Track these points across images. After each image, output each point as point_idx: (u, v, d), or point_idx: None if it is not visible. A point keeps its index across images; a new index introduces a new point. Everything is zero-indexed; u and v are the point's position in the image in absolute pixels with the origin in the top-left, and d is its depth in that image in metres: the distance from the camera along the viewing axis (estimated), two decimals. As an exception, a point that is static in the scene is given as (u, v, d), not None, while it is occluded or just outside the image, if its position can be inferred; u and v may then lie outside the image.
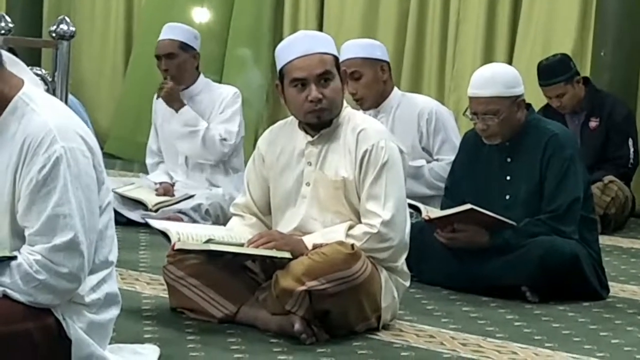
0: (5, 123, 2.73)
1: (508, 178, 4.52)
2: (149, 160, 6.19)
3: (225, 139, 5.85)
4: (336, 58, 3.81)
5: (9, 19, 4.38)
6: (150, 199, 5.84)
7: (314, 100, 3.73)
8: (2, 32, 4.31)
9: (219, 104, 5.92)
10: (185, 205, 5.75)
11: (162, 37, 5.97)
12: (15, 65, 2.81)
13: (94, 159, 2.76)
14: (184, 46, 5.91)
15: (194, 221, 5.56)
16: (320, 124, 3.80)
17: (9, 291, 2.65)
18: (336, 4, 7.90)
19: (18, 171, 2.69)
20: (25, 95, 2.76)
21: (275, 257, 3.63)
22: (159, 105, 6.06)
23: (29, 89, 2.78)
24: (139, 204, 5.82)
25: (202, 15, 8.56)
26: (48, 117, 2.71)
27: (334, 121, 3.81)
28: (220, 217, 5.69)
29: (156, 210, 5.73)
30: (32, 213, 2.67)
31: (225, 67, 8.34)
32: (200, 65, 6.02)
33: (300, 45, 3.78)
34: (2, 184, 2.70)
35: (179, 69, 5.90)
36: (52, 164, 2.66)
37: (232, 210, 4.07)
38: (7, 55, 2.77)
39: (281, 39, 7.76)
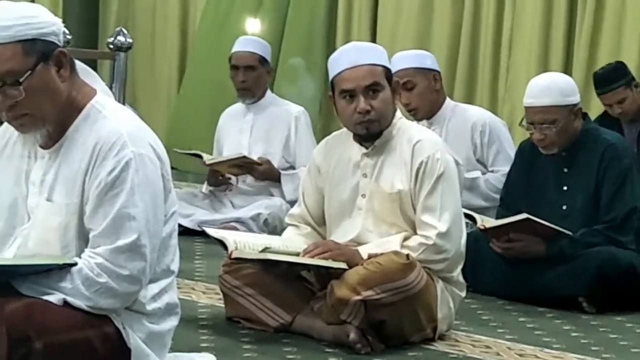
0: (77, 129, 2.78)
1: (565, 188, 4.50)
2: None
3: None
4: (387, 69, 3.81)
5: (67, 30, 4.43)
6: (206, 156, 5.99)
7: (362, 112, 3.74)
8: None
9: (290, 125, 5.99)
10: (244, 214, 5.78)
11: (240, 48, 6.04)
12: (88, 75, 2.88)
13: (162, 167, 2.79)
14: (263, 60, 6.01)
15: (252, 231, 5.59)
16: (370, 135, 3.80)
17: (69, 298, 2.67)
18: (390, 15, 7.90)
19: (88, 174, 2.73)
20: (98, 104, 2.81)
21: (331, 267, 3.64)
22: (226, 120, 6.12)
23: (101, 98, 2.84)
24: (193, 198, 5.96)
25: (255, 26, 8.59)
26: (120, 123, 2.76)
27: (384, 132, 3.81)
28: (278, 228, 5.72)
29: (210, 165, 5.88)
30: (98, 215, 2.71)
31: (278, 78, 8.37)
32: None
33: (349, 56, 3.79)
34: (72, 187, 2.74)
35: (256, 82, 5.99)
36: (122, 167, 2.70)
37: (287, 220, 4.09)
38: (80, 65, 2.83)
39: (334, 50, 7.82)
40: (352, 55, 3.79)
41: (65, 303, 2.67)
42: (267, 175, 5.94)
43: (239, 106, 6.16)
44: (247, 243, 3.78)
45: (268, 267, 3.78)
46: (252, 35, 6.61)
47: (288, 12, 8.45)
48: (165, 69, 9.41)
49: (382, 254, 3.65)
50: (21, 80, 2.67)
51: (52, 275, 2.68)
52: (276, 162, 6.01)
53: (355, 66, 3.76)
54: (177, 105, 8.94)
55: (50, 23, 2.74)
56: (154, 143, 2.80)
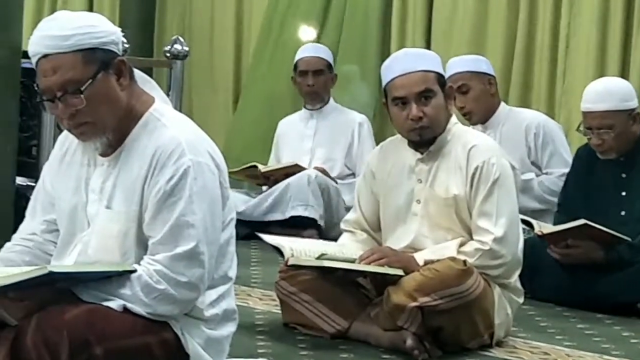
0: (136, 137, 2.80)
1: (623, 193, 4.46)
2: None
3: None
4: (440, 75, 3.80)
5: (124, 39, 4.47)
6: (260, 166, 6.05)
7: (414, 119, 3.74)
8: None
9: (353, 132, 6.04)
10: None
11: (307, 54, 6.15)
12: (146, 83, 2.89)
13: (220, 175, 2.81)
14: (329, 66, 6.14)
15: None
16: (423, 142, 3.79)
17: (129, 304, 2.69)
18: (444, 20, 7.86)
19: (147, 181, 2.75)
20: (156, 111, 2.83)
21: (388, 274, 3.63)
22: (286, 127, 6.15)
23: (159, 106, 2.86)
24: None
25: (310, 34, 8.60)
26: (178, 131, 2.78)
27: (439, 138, 3.80)
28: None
29: (265, 177, 5.89)
30: (157, 222, 2.73)
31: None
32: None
33: (401, 63, 3.79)
34: (131, 194, 2.77)
35: (324, 87, 6.10)
36: (180, 175, 2.72)
37: (342, 226, 4.09)
38: (138, 74, 2.85)
39: (388, 56, 7.81)
40: (404, 62, 3.79)
41: (125, 309, 2.69)
42: None
43: (300, 114, 6.24)
44: (303, 250, 3.79)
45: (324, 273, 3.78)
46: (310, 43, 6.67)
47: (343, 20, 8.44)
48: (221, 78, 9.44)
49: (438, 260, 3.64)
50: (82, 89, 2.70)
51: (112, 281, 2.70)
52: (337, 169, 6.03)
53: (407, 73, 3.75)
54: (235, 115, 8.96)
55: (110, 32, 2.77)
56: (212, 151, 2.82)
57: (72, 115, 2.72)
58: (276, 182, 5.94)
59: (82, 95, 2.70)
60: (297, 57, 6.19)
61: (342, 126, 6.07)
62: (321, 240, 4.95)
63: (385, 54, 7.87)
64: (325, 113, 6.13)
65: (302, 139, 6.14)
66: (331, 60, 6.20)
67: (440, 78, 3.79)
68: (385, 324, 3.67)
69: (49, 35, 2.71)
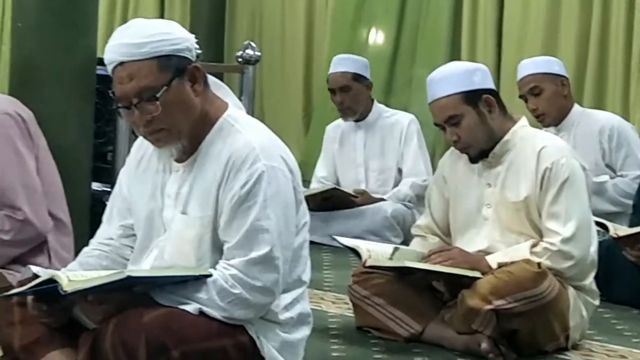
0: (211, 142, 2.83)
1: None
2: (313, 186, 6.19)
3: (425, 180, 5.84)
4: (468, 92, 3.72)
5: (197, 45, 4.51)
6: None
7: (453, 142, 3.74)
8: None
9: (399, 135, 5.95)
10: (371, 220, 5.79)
11: (333, 70, 6.03)
12: (220, 89, 2.91)
13: (293, 179, 2.82)
14: (357, 77, 5.97)
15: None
16: (473, 158, 3.78)
17: (205, 308, 2.71)
18: (516, 22, 7.82)
19: (221, 187, 2.77)
20: (230, 117, 2.85)
21: (466, 276, 3.62)
22: (334, 131, 6.13)
23: (233, 111, 2.88)
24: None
25: (375, 37, 8.61)
26: (252, 137, 2.80)
27: (499, 144, 3.76)
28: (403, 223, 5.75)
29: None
30: (232, 227, 2.75)
31: (395, 86, 8.36)
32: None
33: (428, 89, 3.79)
34: (206, 199, 2.79)
35: (354, 101, 5.96)
36: (254, 180, 2.74)
37: (413, 231, 4.08)
38: (211, 79, 2.87)
39: (459, 58, 7.78)
40: (429, 89, 3.79)
41: (201, 313, 2.71)
42: (365, 204, 5.92)
43: (348, 123, 6.12)
44: (379, 252, 3.80)
45: (401, 275, 3.78)
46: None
47: (418, 24, 8.42)
48: (292, 82, 9.48)
49: (512, 262, 3.62)
50: (158, 95, 2.73)
51: (188, 285, 2.73)
52: (394, 177, 5.99)
53: (432, 101, 3.76)
54: (312, 123, 8.98)
55: (184, 39, 2.80)
56: (286, 156, 2.83)
57: (148, 122, 2.76)
58: (316, 206, 5.75)
59: (157, 102, 2.73)
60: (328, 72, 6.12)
61: (390, 132, 5.97)
62: (393, 245, 4.95)
63: (455, 56, 7.86)
64: (370, 122, 6.01)
65: (354, 150, 6.06)
66: (361, 69, 6.00)
67: (467, 95, 3.72)
68: (459, 327, 3.66)
69: (124, 43, 2.75)
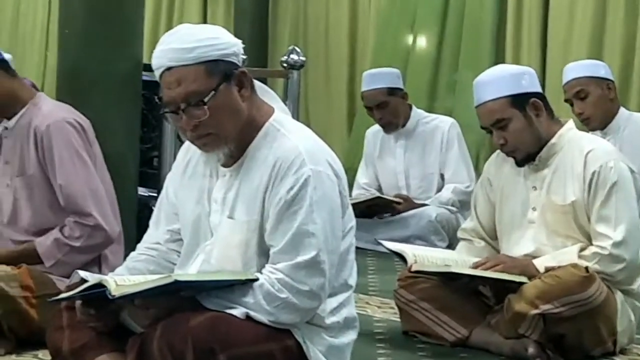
0: (257, 147, 2.83)
1: None
2: (355, 192, 6.16)
3: (468, 186, 5.83)
4: (514, 96, 3.71)
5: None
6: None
7: (500, 145, 3.73)
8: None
9: (439, 140, 5.93)
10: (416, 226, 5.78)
11: (366, 87, 5.97)
12: (266, 94, 2.92)
13: (339, 184, 2.82)
14: (392, 91, 5.92)
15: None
16: (520, 161, 3.76)
17: (252, 312, 2.71)
18: (562, 25, 7.77)
19: (268, 191, 2.78)
20: (276, 122, 2.86)
21: (512, 281, 3.60)
22: (374, 138, 6.12)
23: (279, 116, 2.88)
24: None
25: (419, 41, 8.59)
26: (298, 141, 2.80)
27: (545, 148, 3.75)
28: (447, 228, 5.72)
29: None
30: (278, 231, 2.75)
31: (439, 90, 8.35)
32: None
33: (475, 93, 3.78)
34: (252, 204, 2.80)
35: (393, 115, 5.93)
36: (300, 185, 2.74)
37: (460, 235, 4.07)
38: (257, 84, 2.88)
39: (503, 62, 7.74)
40: (476, 93, 3.77)
41: (248, 317, 2.72)
42: (408, 210, 5.90)
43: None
44: (425, 257, 3.79)
45: (447, 280, 3.77)
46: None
47: (462, 29, 8.39)
48: (336, 86, 9.49)
49: (560, 267, 3.60)
50: (205, 100, 2.73)
51: (235, 290, 2.73)
52: (436, 183, 5.96)
53: (479, 104, 3.75)
54: (353, 127, 8.98)
55: (231, 44, 2.80)
56: (332, 160, 2.83)
57: (195, 127, 2.76)
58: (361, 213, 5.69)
59: (205, 107, 2.73)
60: (361, 89, 6.07)
61: (431, 138, 5.95)
62: (439, 249, 4.94)
63: (500, 59, 7.83)
64: (410, 129, 5.97)
65: (394, 158, 6.04)
66: (394, 82, 5.94)
67: (514, 99, 3.71)
68: (506, 332, 3.65)
69: (172, 48, 2.76)
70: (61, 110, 3.73)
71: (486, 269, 3.68)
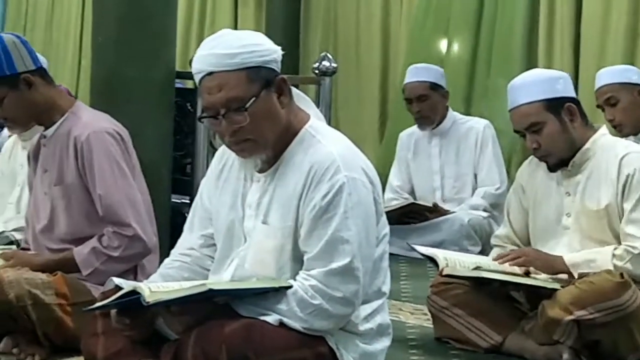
0: (292, 153, 2.84)
1: None
2: (388, 195, 6.15)
3: (499, 187, 5.82)
4: (549, 100, 3.70)
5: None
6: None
7: (533, 149, 3.71)
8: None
9: (474, 141, 5.93)
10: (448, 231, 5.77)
11: (409, 79, 6.03)
12: (301, 100, 2.92)
13: (374, 191, 2.82)
14: (434, 86, 5.97)
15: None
16: (552, 166, 3.74)
17: (285, 319, 2.72)
18: (595, 29, 7.71)
19: (302, 197, 2.78)
20: (312, 128, 2.87)
21: (545, 288, 3.59)
22: (408, 139, 6.12)
23: (314, 123, 2.89)
24: None
25: (452, 47, 8.57)
26: (333, 148, 2.81)
27: (578, 153, 3.73)
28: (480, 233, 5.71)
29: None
30: (312, 238, 2.76)
31: (474, 95, 8.32)
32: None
33: (509, 96, 3.76)
34: (287, 210, 2.80)
35: (431, 110, 5.96)
36: (335, 191, 2.74)
37: (493, 241, 4.06)
38: (295, 91, 2.89)
39: (535, 67, 7.71)
40: (510, 96, 3.76)
41: (281, 323, 2.72)
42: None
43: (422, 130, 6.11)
44: (457, 261, 3.78)
45: (479, 285, 3.76)
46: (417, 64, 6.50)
47: (494, 34, 8.35)
48: (368, 93, 9.48)
49: (594, 272, 3.58)
50: (246, 106, 2.74)
51: (269, 296, 2.74)
52: (470, 184, 5.96)
53: (513, 108, 3.74)
54: (385, 133, 8.97)
55: (272, 50, 2.81)
56: (366, 167, 2.84)
57: (235, 132, 2.77)
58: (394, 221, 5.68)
59: (245, 113, 2.74)
60: (404, 82, 6.12)
61: (465, 139, 5.96)
62: (471, 254, 4.93)
63: (532, 64, 7.79)
64: (445, 129, 6.00)
65: (429, 158, 6.05)
66: (438, 78, 6.01)
67: (549, 103, 3.70)
68: (540, 338, 3.63)
69: (214, 53, 2.76)
70: (101, 120, 3.74)
71: (510, 261, 3.67)
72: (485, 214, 5.83)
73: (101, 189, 3.61)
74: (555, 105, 3.71)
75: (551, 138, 3.70)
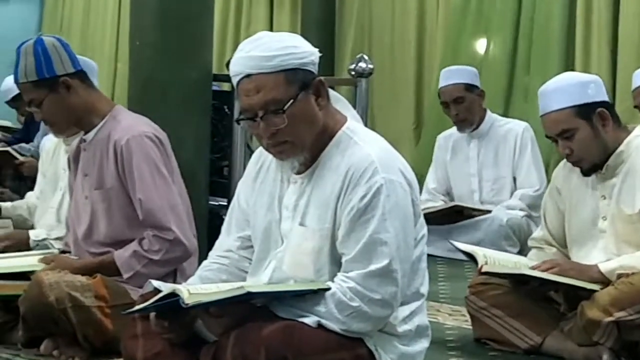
0: (330, 155, 2.84)
1: None
2: (423, 197, 6.07)
3: (538, 189, 5.80)
4: (580, 106, 3.66)
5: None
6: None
7: (565, 155, 3.69)
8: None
9: (513, 143, 5.90)
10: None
11: (444, 83, 6.01)
12: (338, 102, 2.92)
13: (411, 192, 2.82)
14: (469, 87, 5.95)
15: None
16: (586, 171, 3.72)
17: (323, 321, 2.72)
18: (633, 28, 7.67)
19: (340, 199, 2.78)
20: (349, 130, 2.86)
21: (583, 288, 3.57)
22: (446, 141, 6.10)
23: (352, 124, 2.89)
24: None
25: (490, 48, 8.54)
26: (371, 150, 2.80)
27: (612, 156, 3.70)
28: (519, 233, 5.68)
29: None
30: (350, 240, 2.75)
31: (513, 96, 8.29)
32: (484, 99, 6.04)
33: (540, 101, 3.73)
34: (324, 212, 2.80)
35: (469, 111, 5.94)
36: (373, 193, 2.74)
37: (530, 244, 4.04)
38: (332, 93, 2.89)
39: (573, 67, 7.67)
40: (541, 102, 3.73)
41: (320, 325, 2.72)
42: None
43: (460, 132, 6.10)
44: (496, 258, 3.77)
45: (518, 284, 3.74)
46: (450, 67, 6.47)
47: (532, 32, 8.32)
48: (403, 94, 9.47)
49: (632, 273, 3.56)
50: (284, 108, 2.75)
51: (307, 298, 2.74)
52: (508, 187, 5.93)
53: (544, 114, 3.71)
54: (422, 135, 8.95)
55: (309, 52, 2.81)
56: (404, 169, 2.83)
57: (273, 134, 2.78)
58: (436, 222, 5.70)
59: (284, 115, 2.75)
60: (439, 86, 6.10)
61: (504, 141, 5.94)
62: (509, 253, 4.91)
63: (569, 64, 7.75)
64: (483, 131, 5.98)
65: (467, 160, 6.04)
66: (472, 79, 5.99)
67: (580, 109, 3.66)
68: (579, 339, 3.61)
69: (253, 55, 2.77)
70: (140, 123, 3.75)
71: (545, 271, 3.64)
72: (522, 213, 5.81)
73: (141, 193, 3.62)
74: (586, 111, 3.67)
75: (583, 144, 3.67)
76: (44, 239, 4.32)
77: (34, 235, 4.34)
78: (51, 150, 4.58)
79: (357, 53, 6.57)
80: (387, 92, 9.52)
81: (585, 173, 3.74)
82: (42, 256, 3.82)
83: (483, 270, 3.70)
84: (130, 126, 3.69)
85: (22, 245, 4.28)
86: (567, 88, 3.70)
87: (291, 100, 2.75)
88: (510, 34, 8.40)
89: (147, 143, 3.66)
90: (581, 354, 3.62)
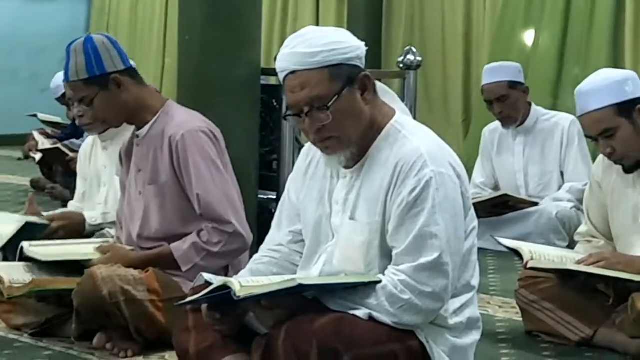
0: (378, 148, 2.85)
1: None
2: (473, 191, 6.04)
3: (587, 183, 5.75)
4: (620, 104, 3.62)
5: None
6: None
7: (606, 154, 3.66)
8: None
9: (559, 138, 5.86)
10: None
11: (487, 81, 5.92)
12: (386, 95, 2.93)
13: (461, 185, 2.82)
14: (513, 84, 5.86)
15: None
16: (628, 169, 3.68)
17: (374, 313, 2.73)
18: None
19: (389, 193, 2.79)
20: (397, 123, 2.87)
21: (632, 281, 3.54)
22: (491, 136, 6.07)
23: (400, 117, 2.89)
24: None
25: (540, 39, 8.49)
26: (420, 143, 2.80)
27: None
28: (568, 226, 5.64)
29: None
30: (400, 233, 2.76)
31: (562, 88, 8.23)
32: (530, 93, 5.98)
33: (578, 101, 3.69)
34: (374, 205, 2.81)
35: (513, 109, 5.86)
36: (423, 186, 2.74)
37: (576, 238, 4.03)
38: (379, 86, 2.89)
39: (622, 60, 7.60)
40: (579, 101, 3.69)
41: (371, 318, 2.73)
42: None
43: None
44: (542, 254, 3.75)
45: (565, 278, 3.73)
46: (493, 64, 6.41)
47: (583, 24, 8.26)
48: (451, 87, 9.44)
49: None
50: (329, 104, 2.75)
51: (358, 291, 2.75)
52: (556, 181, 5.88)
53: (583, 114, 3.67)
54: (470, 127, 8.92)
55: (355, 47, 2.82)
56: (453, 161, 2.83)
57: (318, 130, 2.79)
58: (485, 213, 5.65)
59: (328, 111, 2.75)
60: (482, 83, 6.03)
61: (550, 136, 5.87)
62: (557, 247, 4.88)
63: (617, 54, 7.69)
64: (529, 126, 5.91)
65: (513, 156, 5.97)
66: (515, 76, 5.88)
67: (620, 107, 3.62)
68: (631, 332, 3.59)
69: (297, 52, 2.78)
70: (194, 119, 3.78)
71: (589, 265, 3.62)
72: (570, 205, 5.76)
73: (199, 188, 3.64)
74: (626, 108, 3.63)
75: (625, 142, 3.63)
76: (100, 224, 4.34)
77: (89, 217, 4.34)
78: (87, 152, 4.59)
79: (405, 45, 6.55)
80: (436, 85, 9.49)
81: (628, 170, 3.70)
82: (98, 245, 3.85)
83: (529, 265, 3.68)
84: (184, 121, 3.72)
85: (77, 226, 4.29)
86: (604, 87, 3.65)
87: (335, 97, 2.76)
88: (558, 27, 8.34)
89: (203, 138, 3.69)
90: (634, 346, 3.60)
